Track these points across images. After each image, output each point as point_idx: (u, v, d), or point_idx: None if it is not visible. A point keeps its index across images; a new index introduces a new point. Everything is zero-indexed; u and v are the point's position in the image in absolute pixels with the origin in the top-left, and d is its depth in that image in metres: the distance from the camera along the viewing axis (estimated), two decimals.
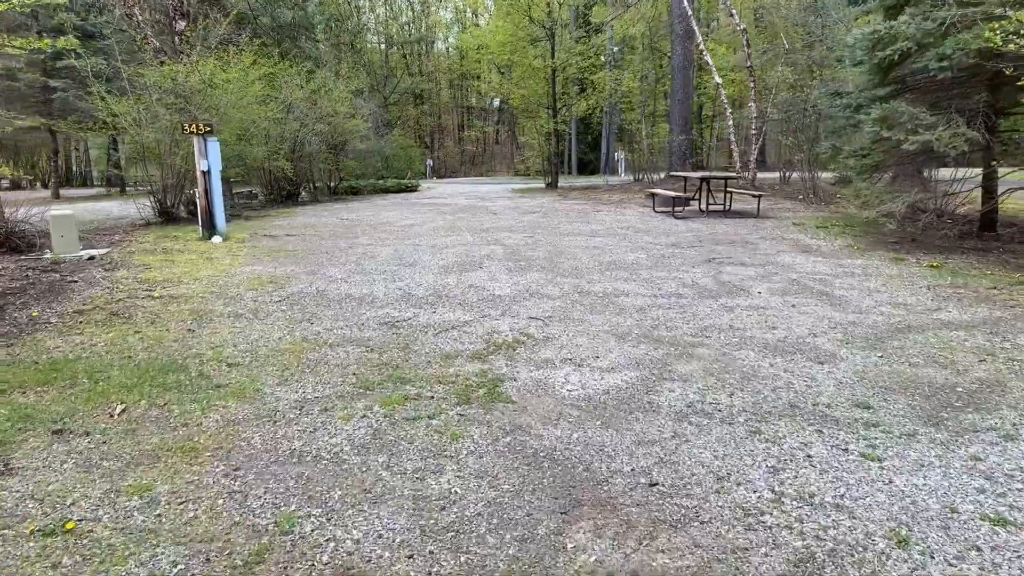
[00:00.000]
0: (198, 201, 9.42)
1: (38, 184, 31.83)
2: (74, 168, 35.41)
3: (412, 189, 22.60)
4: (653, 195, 12.82)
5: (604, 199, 16.39)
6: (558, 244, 9.10)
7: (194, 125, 9.12)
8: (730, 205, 12.31)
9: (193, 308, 5.76)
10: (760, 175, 17.57)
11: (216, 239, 9.29)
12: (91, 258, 7.79)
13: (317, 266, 7.63)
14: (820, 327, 5.21)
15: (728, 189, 12.07)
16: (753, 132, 16.45)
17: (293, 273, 7.23)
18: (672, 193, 12.10)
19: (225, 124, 13.55)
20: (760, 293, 6.27)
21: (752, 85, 16.25)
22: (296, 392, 3.93)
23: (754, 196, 11.88)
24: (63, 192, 24.77)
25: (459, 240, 9.53)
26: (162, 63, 13.26)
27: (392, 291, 6.41)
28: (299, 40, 21.46)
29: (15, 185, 32.37)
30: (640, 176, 20.98)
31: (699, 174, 12.84)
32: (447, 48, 51.19)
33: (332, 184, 21.06)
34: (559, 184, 21.09)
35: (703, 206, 12.62)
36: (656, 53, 25.55)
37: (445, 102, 49.64)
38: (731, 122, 16.80)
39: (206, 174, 9.31)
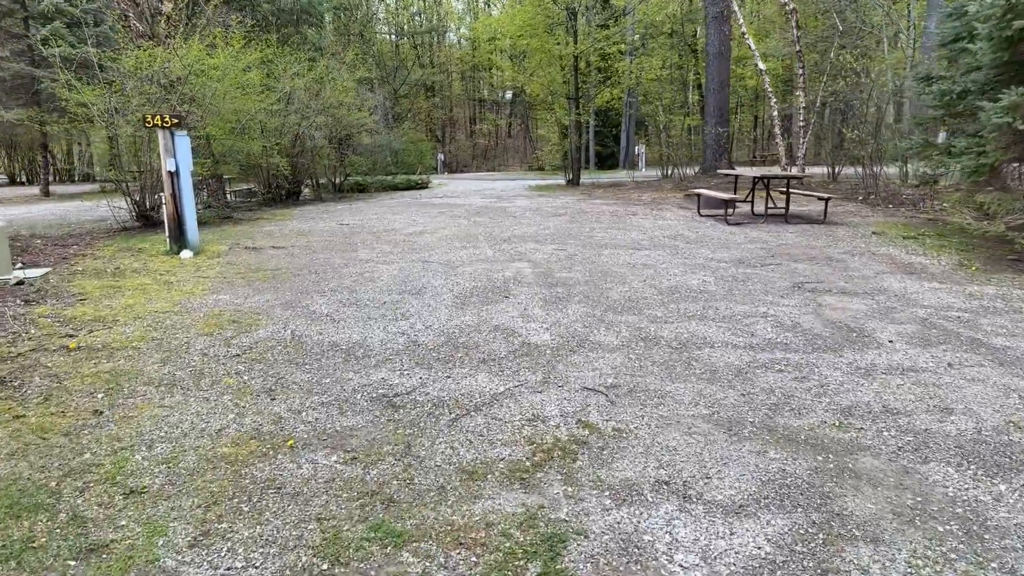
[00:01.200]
0: (164, 208, 7.79)
1: (40, 179, 30.35)
2: (75, 163, 33.95)
3: (422, 186, 20.96)
4: (697, 196, 11.07)
5: (634, 198, 14.66)
6: (597, 260, 7.41)
7: (157, 117, 7.49)
8: (787, 208, 10.55)
9: (115, 369, 4.12)
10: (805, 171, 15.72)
11: (185, 254, 7.67)
12: (20, 283, 6.18)
13: (300, 294, 5.97)
14: (1015, 408, 3.50)
15: (789, 190, 10.27)
16: (801, 124, 14.63)
17: (267, 306, 5.58)
18: (723, 194, 10.35)
19: (212, 116, 11.96)
20: (892, 343, 4.55)
21: (800, 72, 14.42)
22: (216, 568, 2.28)
23: (821, 199, 10.10)
24: (58, 189, 23.35)
25: (477, 254, 7.86)
26: (139, 48, 11.64)
27: (392, 336, 4.75)
28: (300, 25, 19.81)
29: (11, 180, 31.01)
30: (669, 172, 19.19)
31: (755, 172, 11.05)
32: (459, 40, 49.48)
33: (337, 181, 19.47)
34: (580, 180, 19.33)
35: (756, 209, 10.88)
36: (683, 39, 23.73)
37: (457, 94, 47.94)
38: (775, 112, 14.98)
39: (174, 175, 7.69)
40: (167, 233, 7.87)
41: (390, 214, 12.36)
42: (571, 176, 19.03)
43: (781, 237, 8.88)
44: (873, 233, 9.01)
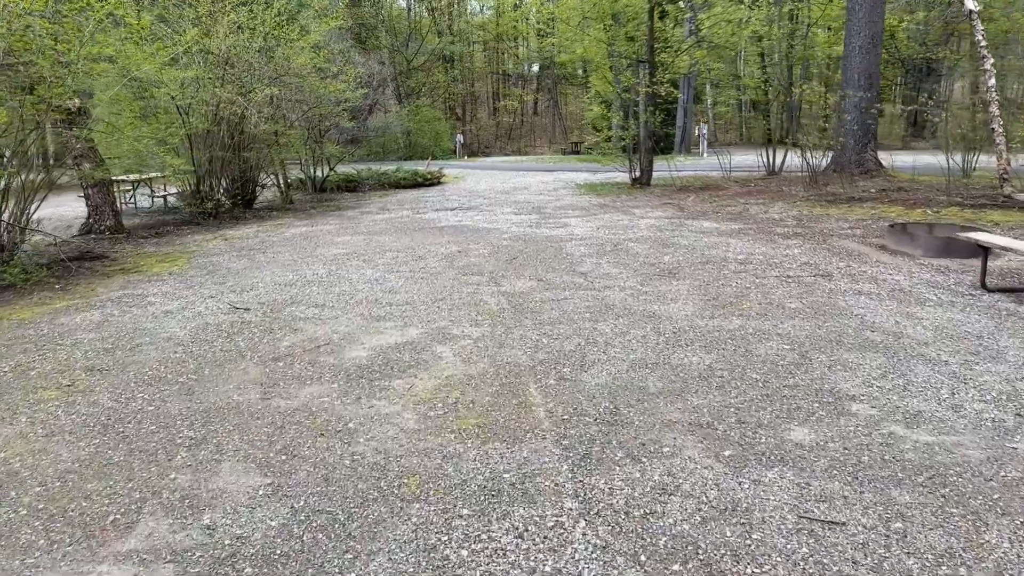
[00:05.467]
0: None
1: None
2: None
3: (433, 182, 15.14)
4: (984, 250, 5.07)
5: (763, 218, 8.71)
6: None
7: None
8: None
9: None
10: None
11: None
12: None
13: None
14: None
15: None
16: None
17: None
18: None
19: (52, 88, 6.26)
20: None
21: None
22: None
23: None
24: None
25: None
26: None
27: None
28: None
29: None
30: (778, 164, 13.12)
31: None
32: (481, 7, 43.05)
33: (319, 175, 13.80)
34: (651, 178, 13.21)
35: None
36: None
37: (479, 67, 41.60)
38: (993, 81, 8.88)
39: None
40: None
41: (357, 260, 6.59)
42: (638, 173, 12.99)
43: None
44: None
